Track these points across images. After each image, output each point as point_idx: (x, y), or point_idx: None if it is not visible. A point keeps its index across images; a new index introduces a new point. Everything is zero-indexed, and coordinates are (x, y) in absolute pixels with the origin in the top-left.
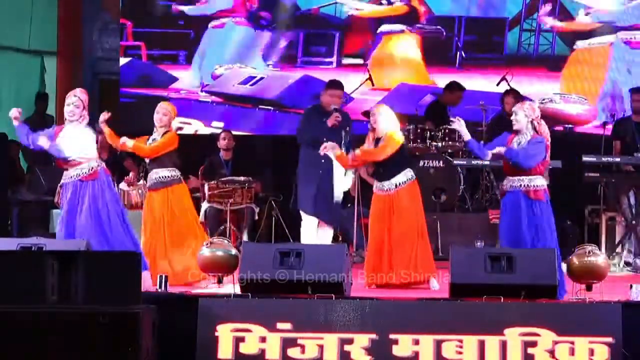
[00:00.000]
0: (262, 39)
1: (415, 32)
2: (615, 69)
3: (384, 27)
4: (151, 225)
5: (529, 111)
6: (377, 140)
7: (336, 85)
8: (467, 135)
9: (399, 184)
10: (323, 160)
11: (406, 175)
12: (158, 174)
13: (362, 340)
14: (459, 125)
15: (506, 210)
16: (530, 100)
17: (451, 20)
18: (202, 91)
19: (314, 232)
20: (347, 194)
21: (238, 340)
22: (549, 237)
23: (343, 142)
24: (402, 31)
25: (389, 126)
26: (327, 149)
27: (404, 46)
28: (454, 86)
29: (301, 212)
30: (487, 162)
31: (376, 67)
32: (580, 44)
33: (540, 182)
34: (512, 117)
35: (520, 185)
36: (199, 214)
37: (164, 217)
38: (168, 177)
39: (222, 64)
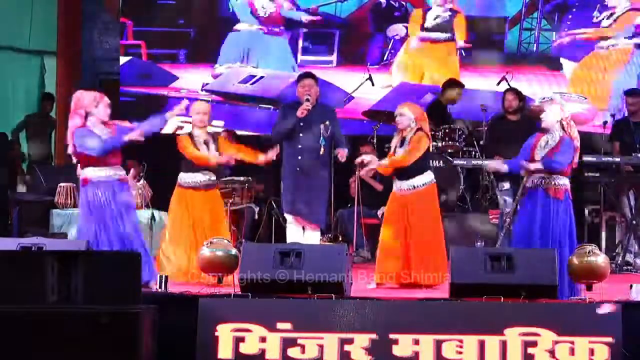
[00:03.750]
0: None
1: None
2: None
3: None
4: (188, 222)
5: (558, 110)
6: (402, 140)
7: (304, 75)
8: (503, 167)
9: (417, 186)
10: (300, 157)
11: (426, 177)
12: (206, 176)
13: (362, 340)
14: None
15: (526, 207)
16: (532, 99)
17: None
18: (202, 90)
19: (297, 232)
20: (347, 195)
21: (238, 340)
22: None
23: (322, 135)
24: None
25: (415, 127)
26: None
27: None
28: (452, 83)
29: (285, 213)
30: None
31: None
32: (599, 46)
33: (562, 181)
34: (541, 116)
35: (542, 182)
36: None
37: (203, 219)
38: (213, 180)
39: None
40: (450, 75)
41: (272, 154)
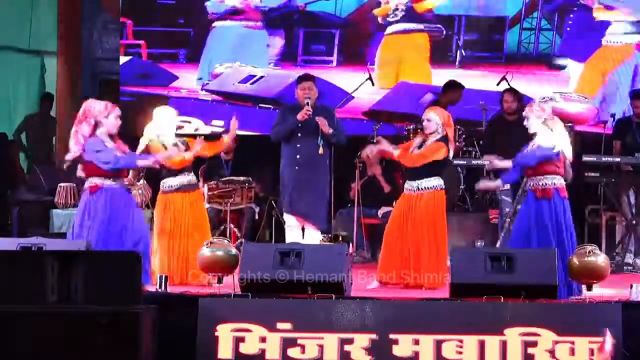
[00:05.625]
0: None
1: (425, 32)
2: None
3: (394, 28)
4: (170, 227)
5: (538, 112)
6: (423, 143)
7: (303, 78)
8: (497, 182)
9: (423, 188)
10: (298, 156)
11: (433, 182)
12: (188, 177)
13: (362, 340)
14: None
15: (523, 207)
16: (531, 99)
17: (451, 18)
18: (202, 90)
19: (297, 232)
20: (347, 195)
21: (238, 340)
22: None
23: (319, 135)
24: (407, 31)
25: (441, 133)
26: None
27: (413, 46)
28: (452, 84)
29: (284, 213)
30: (487, 162)
31: (381, 67)
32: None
33: (549, 181)
34: (525, 123)
35: (531, 185)
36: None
37: (184, 222)
38: (195, 182)
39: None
40: (421, 67)
41: (232, 128)
